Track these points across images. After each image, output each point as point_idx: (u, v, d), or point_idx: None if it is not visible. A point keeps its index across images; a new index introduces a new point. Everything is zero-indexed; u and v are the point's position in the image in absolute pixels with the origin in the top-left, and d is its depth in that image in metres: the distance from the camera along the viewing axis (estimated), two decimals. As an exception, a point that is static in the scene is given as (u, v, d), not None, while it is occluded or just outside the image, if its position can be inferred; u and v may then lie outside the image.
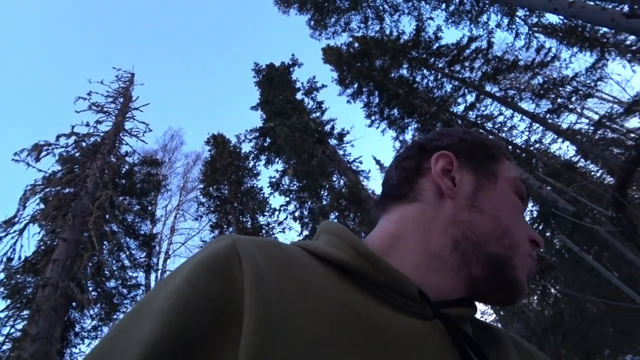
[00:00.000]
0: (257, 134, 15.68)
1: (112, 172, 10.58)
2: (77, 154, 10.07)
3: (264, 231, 15.87)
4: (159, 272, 12.64)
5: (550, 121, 9.11)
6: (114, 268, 10.04)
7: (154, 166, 12.73)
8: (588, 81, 8.47)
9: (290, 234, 14.43)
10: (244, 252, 0.35)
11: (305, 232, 13.08)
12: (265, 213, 16.13)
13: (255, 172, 17.38)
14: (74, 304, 8.92)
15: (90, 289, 9.26)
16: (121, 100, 11.36)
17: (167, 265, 13.14)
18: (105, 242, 10.09)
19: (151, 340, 0.28)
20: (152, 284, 12.09)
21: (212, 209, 15.97)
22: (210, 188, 16.34)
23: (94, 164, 10.04)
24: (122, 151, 11.30)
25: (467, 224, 0.47)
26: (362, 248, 0.42)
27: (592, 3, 6.44)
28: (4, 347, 6.28)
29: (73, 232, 8.66)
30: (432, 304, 0.40)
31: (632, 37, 6.96)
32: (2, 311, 6.89)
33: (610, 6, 6.52)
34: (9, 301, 7.42)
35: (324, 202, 12.25)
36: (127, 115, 11.28)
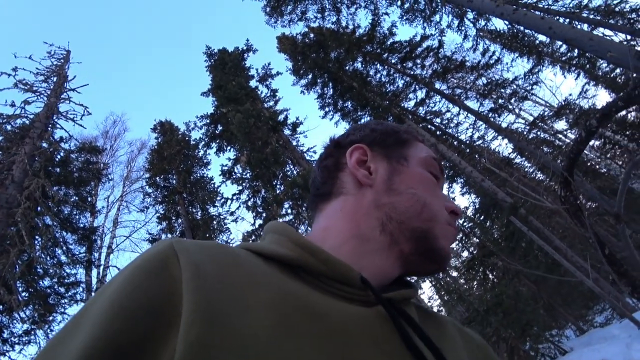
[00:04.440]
0: (207, 121, 15.05)
1: (45, 159, 9.53)
2: None
3: (215, 222, 15.44)
4: (101, 267, 11.73)
5: (492, 120, 9.89)
6: (49, 265, 9.13)
7: (94, 153, 11.68)
8: (525, 85, 9.32)
9: (242, 224, 14.20)
10: (183, 251, 0.35)
11: (259, 222, 12.92)
12: (216, 204, 15.67)
13: (205, 161, 16.76)
14: (0, 307, 8.00)
15: (20, 289, 8.36)
16: (54, 79, 10.16)
17: (110, 260, 12.23)
18: (37, 237, 9.12)
19: (86, 348, 0.27)
20: (94, 280, 11.21)
21: (160, 199, 15.12)
22: (157, 178, 15.43)
23: (22, 149, 8.95)
24: (56, 136, 10.18)
25: (389, 206, 0.50)
26: (302, 241, 0.43)
27: (534, 12, 7.06)
28: None
29: (-3, 226, 7.71)
30: (374, 290, 0.41)
31: (565, 47, 7.78)
32: None
33: (548, 16, 7.19)
34: None
35: (278, 191, 12.17)
36: (62, 97, 10.15)
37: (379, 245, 0.48)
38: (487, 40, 9.68)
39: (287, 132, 14.00)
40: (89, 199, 12.09)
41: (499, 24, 9.53)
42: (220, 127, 14.92)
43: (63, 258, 10.01)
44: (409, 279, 0.55)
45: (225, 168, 13.56)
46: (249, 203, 13.02)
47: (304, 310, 0.36)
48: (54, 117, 9.84)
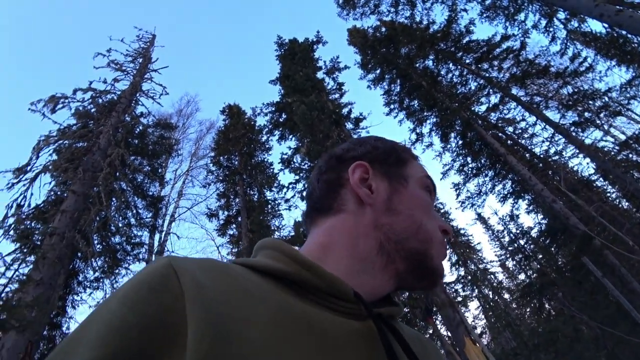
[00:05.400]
0: (273, 109, 15.51)
1: (126, 131, 10.68)
2: (92, 110, 10.14)
3: (269, 206, 16.03)
4: (163, 233, 12.95)
5: (573, 134, 8.75)
6: (120, 225, 10.30)
7: (168, 129, 12.81)
8: (621, 98, 8.02)
9: (295, 212, 14.56)
10: (181, 269, 0.36)
11: None
12: (273, 188, 16.25)
13: (267, 146, 17.37)
14: (79, 254, 9.25)
15: (96, 242, 9.57)
16: (140, 60, 11.31)
17: (172, 228, 13.44)
18: (113, 199, 10.32)
19: None
20: (155, 243, 12.45)
21: (221, 178, 16.14)
22: (221, 157, 16.45)
23: (109, 121, 10.13)
24: (137, 111, 11.35)
25: (388, 227, 0.51)
26: (298, 256, 0.44)
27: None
28: (7, 290, 6.56)
29: (83, 185, 8.85)
30: (366, 305, 0.42)
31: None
32: (8, 254, 7.16)
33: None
34: (16, 245, 7.69)
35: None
36: (145, 76, 11.26)
37: (376, 265, 0.49)
38: (579, 44, 8.49)
39: (349, 126, 13.90)
40: (160, 170, 13.33)
41: (595, 26, 8.32)
42: (284, 116, 15.32)
43: (132, 220, 11.24)
44: (395, 298, 0.57)
45: (285, 157, 13.93)
46: (304, 193, 13.24)
47: (302, 324, 0.37)
48: (137, 95, 10.97)
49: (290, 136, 14.91)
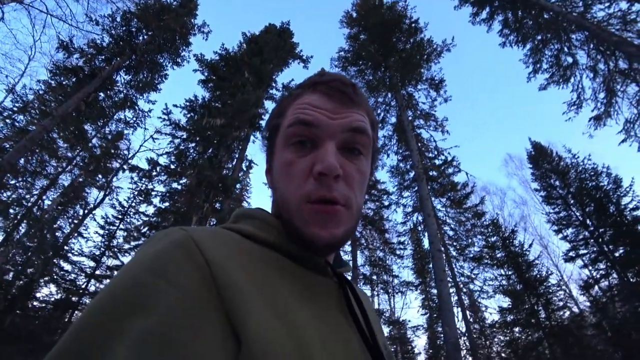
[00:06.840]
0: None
1: None
2: None
3: (136, 108, 13.78)
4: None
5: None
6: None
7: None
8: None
9: (154, 140, 11.88)
10: (200, 241, 0.38)
11: (168, 159, 11.32)
12: (152, 96, 13.97)
13: (183, 56, 14.83)
14: None
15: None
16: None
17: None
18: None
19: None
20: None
21: (114, 35, 12.63)
22: (136, 20, 13.02)
23: None
24: None
25: (275, 203, 0.53)
26: (282, 231, 0.48)
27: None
28: None
29: None
30: (332, 267, 0.51)
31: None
32: None
33: None
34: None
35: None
36: None
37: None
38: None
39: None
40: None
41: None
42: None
43: None
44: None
45: (187, 104, 11.28)
46: (179, 147, 10.39)
47: (298, 280, 0.44)
48: None
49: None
